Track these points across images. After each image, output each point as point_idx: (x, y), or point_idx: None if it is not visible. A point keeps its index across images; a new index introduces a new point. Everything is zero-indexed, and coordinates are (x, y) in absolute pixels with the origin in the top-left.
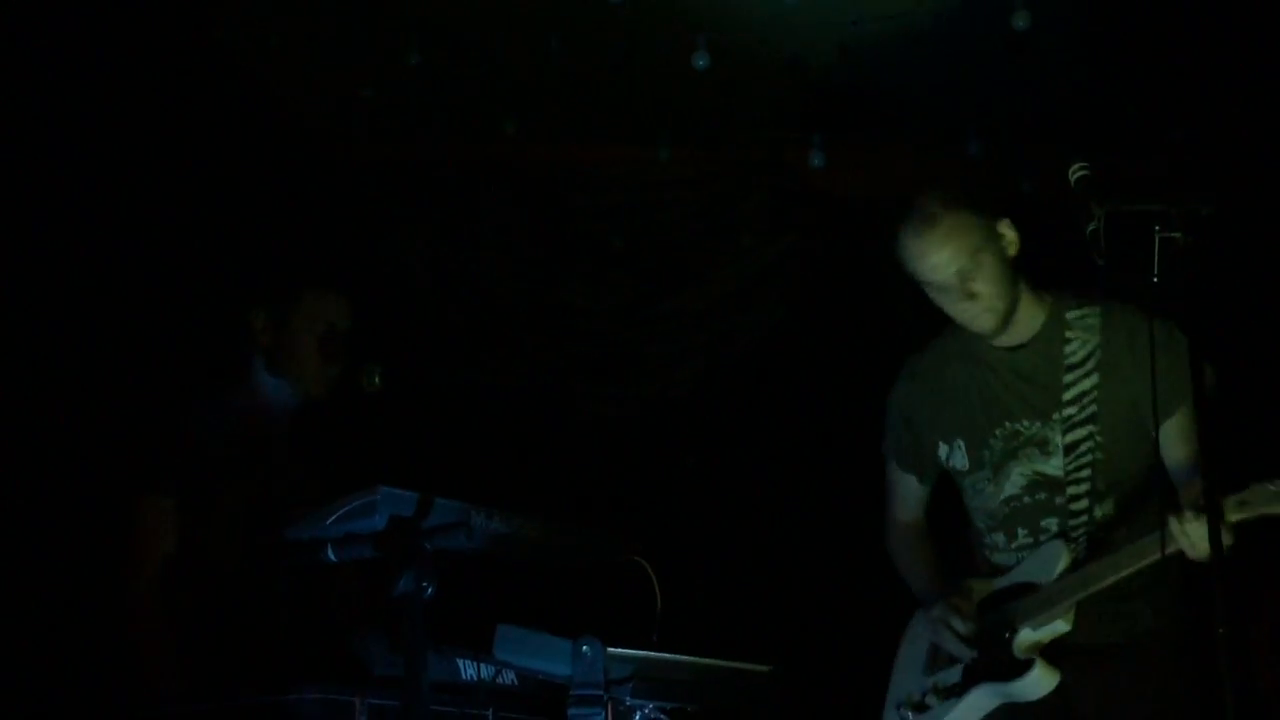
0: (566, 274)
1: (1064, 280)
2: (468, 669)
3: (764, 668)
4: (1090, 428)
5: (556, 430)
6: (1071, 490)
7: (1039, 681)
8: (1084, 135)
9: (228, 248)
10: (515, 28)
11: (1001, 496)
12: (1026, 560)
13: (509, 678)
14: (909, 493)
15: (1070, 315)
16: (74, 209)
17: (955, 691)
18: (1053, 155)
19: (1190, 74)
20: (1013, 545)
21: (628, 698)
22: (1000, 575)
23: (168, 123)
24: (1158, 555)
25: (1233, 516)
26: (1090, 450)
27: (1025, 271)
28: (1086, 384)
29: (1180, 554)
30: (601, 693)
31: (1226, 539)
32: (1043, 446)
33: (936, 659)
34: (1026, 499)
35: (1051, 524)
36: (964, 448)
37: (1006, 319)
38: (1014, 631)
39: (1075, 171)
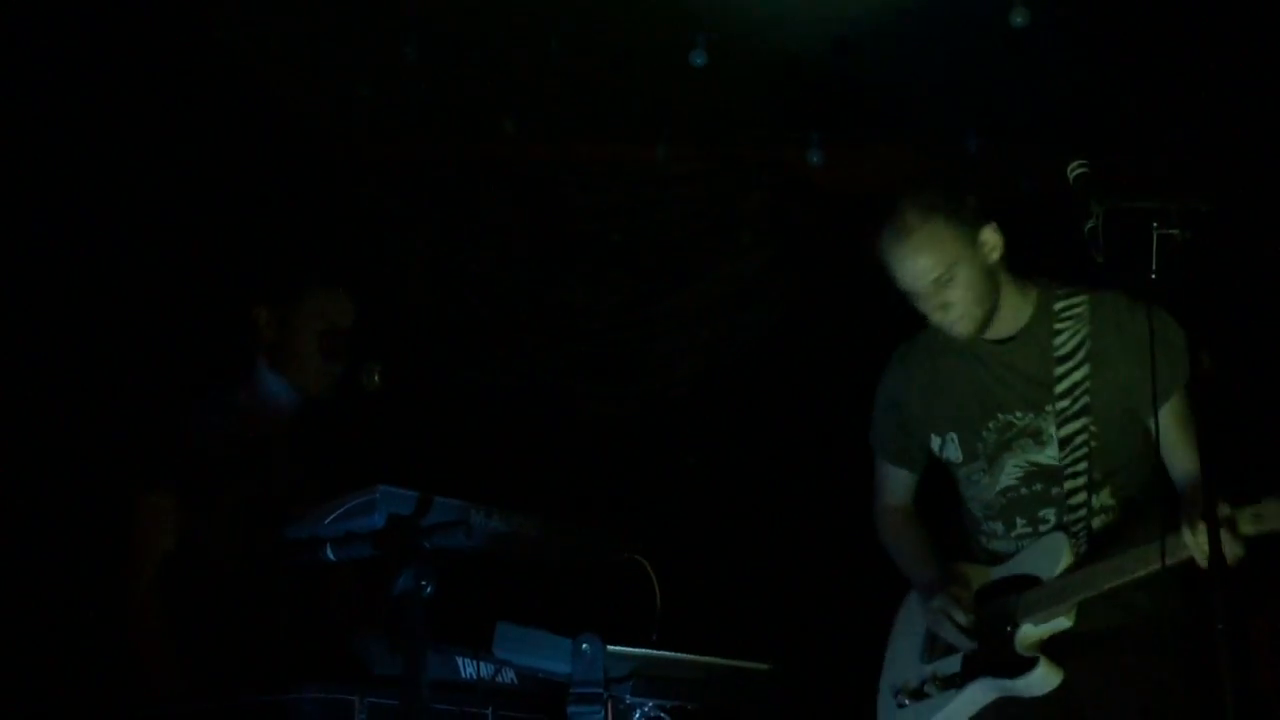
0: (566, 273)
1: (1049, 268)
2: (467, 667)
3: (763, 666)
4: (1085, 419)
5: (556, 429)
6: (1070, 484)
7: (1043, 680)
8: (1082, 133)
9: (231, 246)
10: (514, 26)
11: (997, 488)
12: (1026, 550)
13: (509, 676)
14: (897, 482)
15: (1058, 306)
16: (77, 208)
17: (954, 682)
18: (1052, 153)
19: (1189, 72)
20: (1012, 534)
21: (627, 696)
22: (998, 563)
23: (169, 122)
24: (1159, 565)
25: (1246, 529)
26: (1085, 442)
27: (1011, 263)
28: (1078, 375)
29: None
30: (601, 691)
31: (1237, 549)
32: (1036, 437)
33: (934, 647)
34: (1023, 490)
35: (1049, 514)
36: (957, 440)
37: (984, 323)
38: (1015, 626)
39: (1074, 169)
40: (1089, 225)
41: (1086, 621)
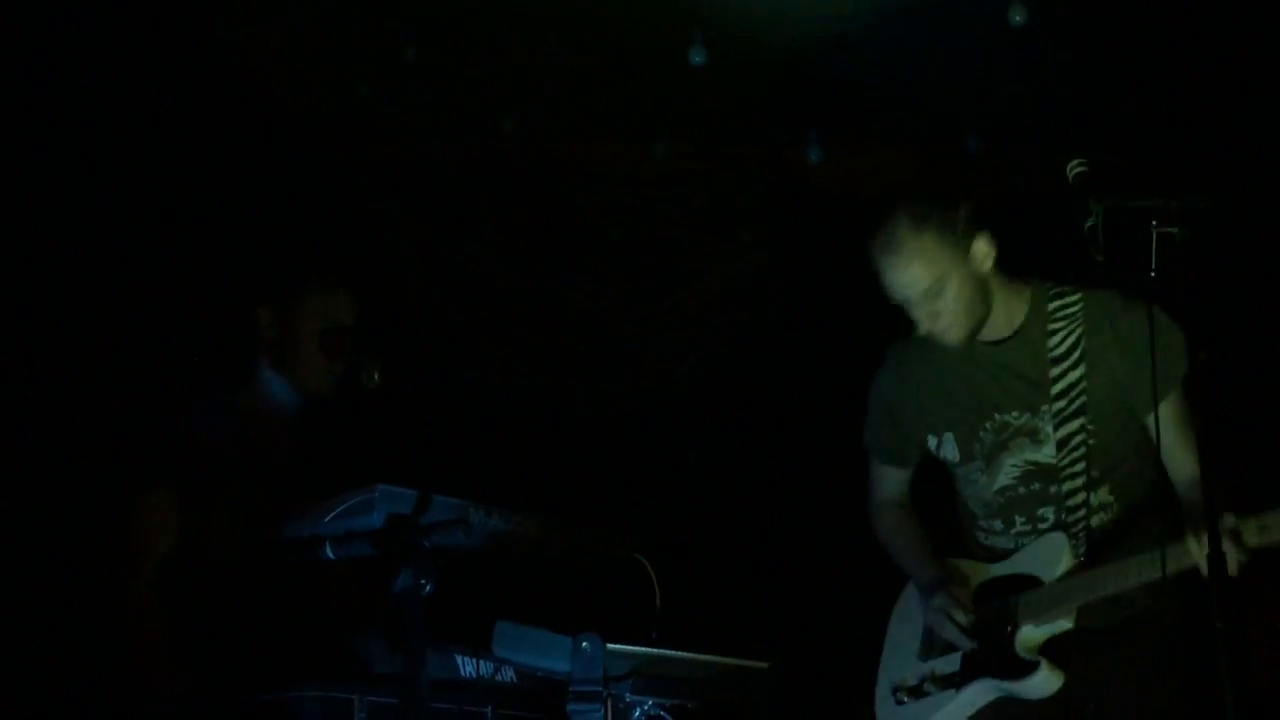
0: (565, 271)
1: (1047, 267)
2: (467, 666)
3: (763, 664)
4: (1081, 419)
5: (555, 427)
6: (1068, 484)
7: (1044, 684)
8: (1081, 133)
9: (232, 246)
10: (513, 26)
11: (995, 487)
12: (1026, 549)
13: (508, 674)
14: (891, 479)
15: (1052, 306)
16: (78, 208)
17: (954, 682)
18: (1051, 153)
19: (1188, 71)
20: (1012, 531)
21: (627, 694)
22: (996, 560)
23: (170, 122)
24: (1160, 575)
25: (1252, 541)
26: (1083, 442)
27: (1007, 262)
28: (1074, 375)
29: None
30: (601, 689)
31: (1242, 559)
32: (1033, 436)
33: (932, 644)
34: (1021, 489)
35: (1048, 513)
36: (954, 440)
37: (975, 329)
38: (1015, 627)
39: (1073, 168)
40: (1088, 224)
41: (1086, 619)
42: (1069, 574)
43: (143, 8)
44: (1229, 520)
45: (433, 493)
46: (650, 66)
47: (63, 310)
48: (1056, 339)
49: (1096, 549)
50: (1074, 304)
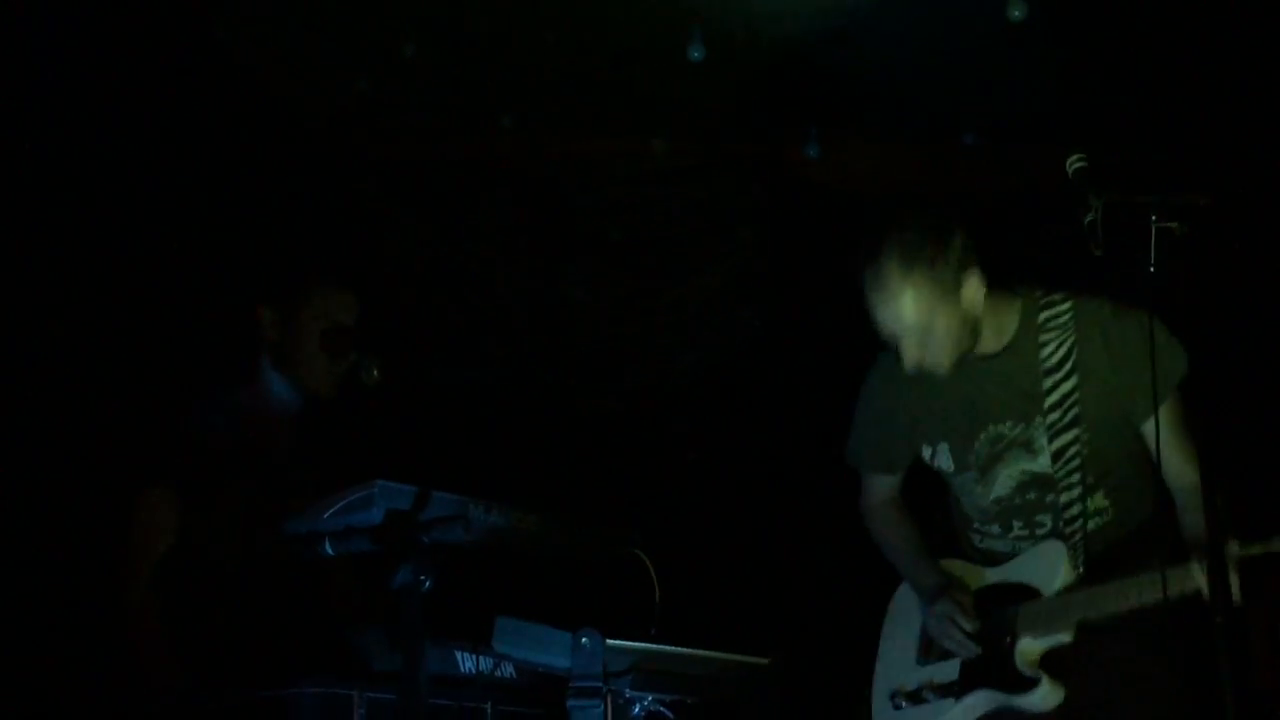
0: (565, 269)
1: (1045, 266)
2: (466, 662)
3: (763, 660)
4: (1076, 430)
5: (555, 424)
6: (1065, 495)
7: (1044, 699)
8: (1081, 130)
9: (233, 246)
10: (512, 24)
11: (991, 497)
12: (1023, 556)
13: (508, 670)
14: (882, 484)
15: (1042, 317)
16: (80, 208)
17: (953, 691)
18: (1049, 150)
19: (1187, 69)
20: (1009, 535)
21: (627, 690)
22: (992, 563)
23: (171, 122)
24: (1162, 596)
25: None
26: (1078, 452)
27: (992, 273)
28: (1067, 386)
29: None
30: (600, 685)
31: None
32: (1028, 446)
33: (930, 649)
34: (1017, 499)
35: (1045, 520)
36: (948, 450)
37: (960, 359)
38: (1015, 639)
39: (1073, 163)
40: (1088, 219)
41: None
42: (1069, 588)
43: (142, 8)
44: (1234, 549)
45: (432, 489)
46: (649, 64)
47: (64, 310)
48: (1048, 350)
49: (1095, 558)
50: (1064, 313)
